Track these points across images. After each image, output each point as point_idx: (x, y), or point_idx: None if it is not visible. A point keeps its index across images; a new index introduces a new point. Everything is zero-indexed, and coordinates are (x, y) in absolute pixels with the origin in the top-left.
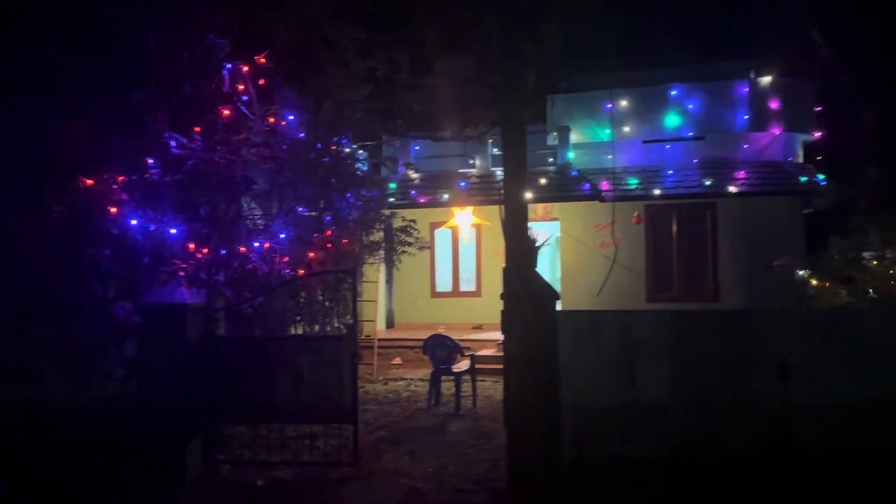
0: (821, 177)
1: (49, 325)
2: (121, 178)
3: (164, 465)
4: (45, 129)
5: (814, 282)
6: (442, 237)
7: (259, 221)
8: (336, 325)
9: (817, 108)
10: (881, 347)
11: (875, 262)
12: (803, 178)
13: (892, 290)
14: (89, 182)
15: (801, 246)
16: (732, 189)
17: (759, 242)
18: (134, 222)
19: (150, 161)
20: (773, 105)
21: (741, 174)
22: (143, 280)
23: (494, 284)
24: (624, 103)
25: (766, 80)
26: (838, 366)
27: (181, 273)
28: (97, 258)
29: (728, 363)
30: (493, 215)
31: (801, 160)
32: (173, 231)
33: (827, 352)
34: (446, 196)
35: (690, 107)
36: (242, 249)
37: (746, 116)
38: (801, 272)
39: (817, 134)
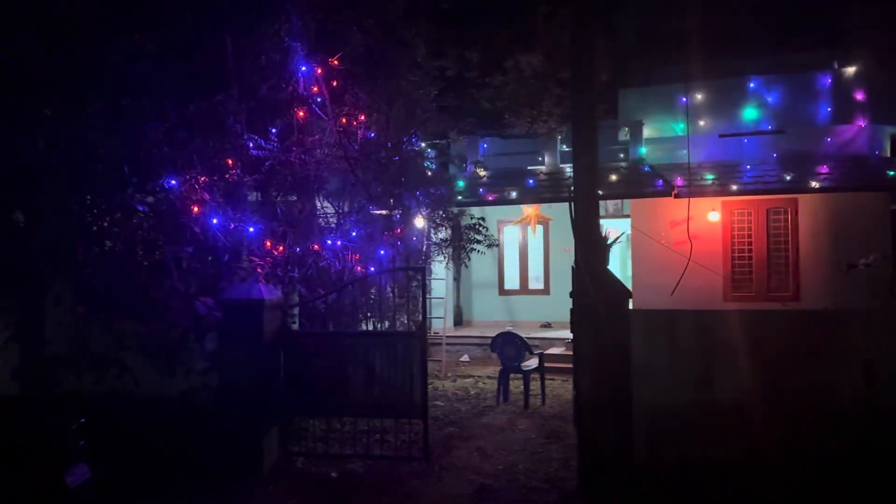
0: None
1: (136, 319)
2: (203, 179)
3: (242, 455)
4: (129, 132)
5: None
6: (510, 234)
7: (332, 220)
8: (405, 321)
9: None
10: None
11: None
12: (891, 173)
13: None
14: (172, 182)
15: (889, 243)
16: (815, 184)
17: (844, 240)
18: (215, 221)
19: (230, 162)
20: (859, 96)
21: (824, 169)
22: (224, 276)
23: (563, 282)
24: (699, 96)
25: (850, 70)
26: None
27: (259, 270)
28: (180, 255)
29: (810, 365)
30: (563, 213)
31: (888, 153)
32: (252, 229)
33: None
34: (515, 193)
35: (770, 99)
36: (316, 247)
37: (830, 108)
38: (889, 271)
39: None
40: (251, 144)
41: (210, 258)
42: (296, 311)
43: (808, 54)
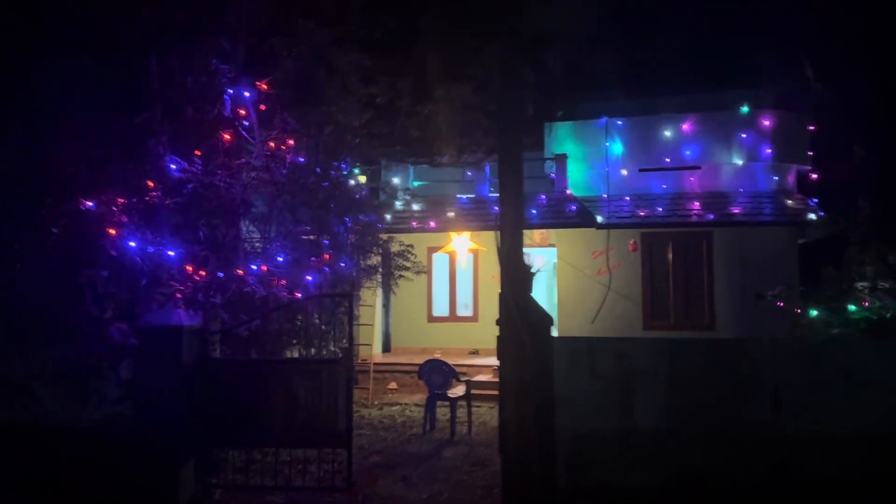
0: (814, 208)
1: (46, 345)
2: (121, 200)
3: (156, 487)
4: (44, 151)
5: (807, 311)
6: (439, 262)
7: (257, 244)
8: (332, 348)
9: (811, 140)
10: (873, 378)
11: (867, 293)
12: (797, 209)
13: (883, 321)
14: (89, 203)
15: (796, 276)
16: (727, 218)
17: (754, 272)
18: (133, 244)
19: (151, 184)
20: (768, 136)
21: (736, 204)
22: (141, 301)
23: (491, 310)
24: (620, 131)
25: (761, 111)
26: (831, 396)
27: (178, 295)
28: (94, 279)
29: (723, 392)
30: (491, 241)
31: (795, 190)
32: (172, 253)
33: (820, 381)
34: (444, 221)
35: (687, 136)
36: (240, 272)
37: (742, 147)
38: (794, 302)
39: (811, 165)
40: (174, 166)
41: (127, 282)
42: (217, 338)
43: (721, 95)
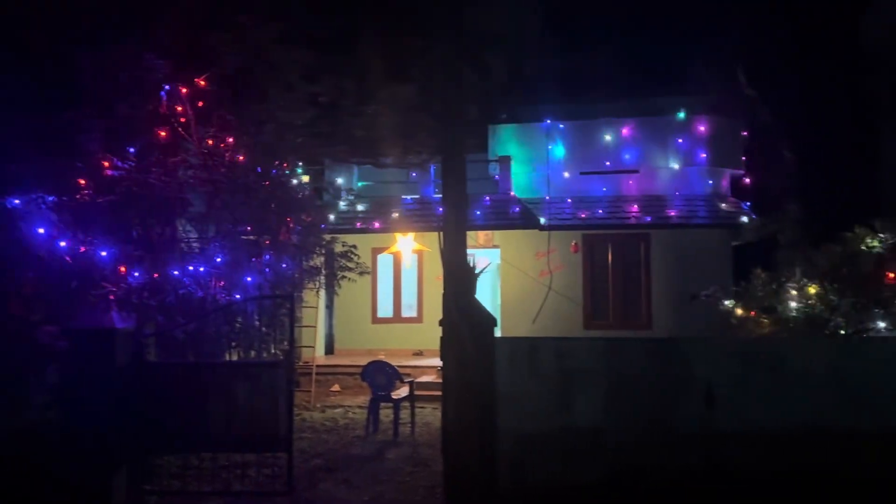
0: (747, 211)
1: None
2: (50, 199)
3: (87, 497)
4: None
5: (739, 311)
6: (384, 263)
7: (195, 245)
8: (273, 350)
9: (745, 144)
10: (800, 376)
11: (796, 294)
12: (731, 212)
13: (810, 321)
14: (15, 201)
15: (729, 276)
16: (664, 220)
17: (690, 272)
18: (63, 244)
19: (82, 181)
20: (703, 141)
21: (673, 206)
22: (71, 303)
23: (436, 311)
24: (562, 135)
25: (696, 117)
26: (761, 393)
27: (111, 297)
28: (21, 280)
29: (659, 390)
30: (435, 242)
31: (729, 194)
32: (104, 254)
33: (750, 379)
34: (388, 222)
35: (626, 140)
36: (176, 273)
37: (678, 151)
38: (727, 302)
39: (744, 170)
40: (106, 164)
41: (57, 284)
42: (152, 340)
43: (658, 101)
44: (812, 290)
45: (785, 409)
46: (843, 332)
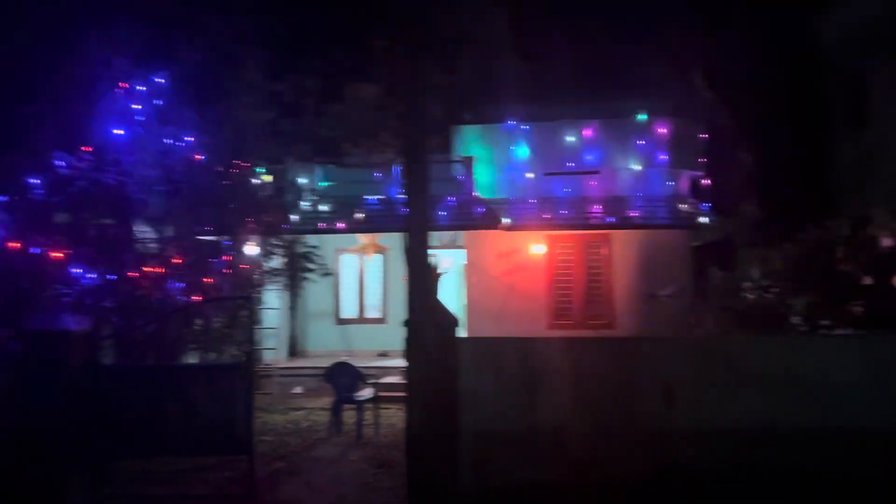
0: (706, 211)
1: None
2: (1, 198)
3: (44, 502)
4: None
5: (698, 310)
6: (348, 263)
7: (152, 245)
8: (234, 353)
9: (702, 146)
10: (757, 374)
11: (753, 293)
12: (690, 212)
13: (767, 319)
14: None
15: (688, 276)
16: (625, 221)
17: (651, 272)
18: (15, 245)
19: (35, 180)
20: (663, 143)
21: (634, 207)
22: (24, 305)
23: (401, 311)
24: (527, 136)
25: (656, 119)
26: (719, 391)
27: (65, 298)
28: None
29: (620, 388)
30: (399, 242)
31: (688, 195)
32: (58, 255)
33: (708, 377)
34: (351, 222)
35: (588, 142)
36: (133, 274)
37: (639, 153)
38: (685, 301)
39: (702, 171)
40: (60, 162)
41: (8, 285)
42: (108, 343)
43: (619, 103)
44: (768, 288)
45: (740, 406)
46: (799, 329)
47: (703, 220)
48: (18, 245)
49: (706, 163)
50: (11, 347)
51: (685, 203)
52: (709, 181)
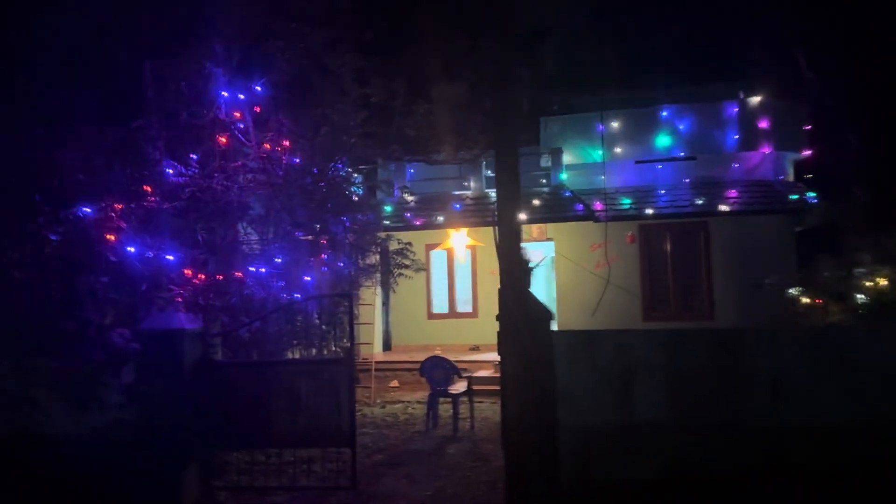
0: (811, 195)
1: (47, 353)
2: (118, 206)
3: (161, 492)
4: (41, 159)
5: (805, 299)
6: (438, 259)
7: (256, 246)
8: (333, 348)
9: (806, 128)
10: (871, 364)
11: (866, 280)
12: (794, 197)
13: (882, 307)
14: (87, 210)
15: (793, 264)
16: (724, 208)
17: (752, 260)
18: (132, 249)
19: (148, 189)
20: (763, 125)
21: (732, 193)
22: (141, 306)
23: (491, 305)
24: (616, 124)
25: (754, 100)
26: (830, 383)
27: (178, 299)
28: (94, 286)
29: (723, 382)
30: (489, 237)
31: (791, 179)
32: (171, 258)
33: (818, 369)
34: (441, 218)
35: (681, 127)
36: (239, 274)
37: (736, 136)
38: (792, 289)
39: (807, 153)
40: (170, 171)
41: (128, 288)
42: (218, 340)
43: (715, 85)
44: (883, 275)
45: (855, 400)
46: None
47: (808, 204)
48: (134, 250)
49: (811, 145)
50: (131, 347)
51: (787, 187)
52: (814, 163)
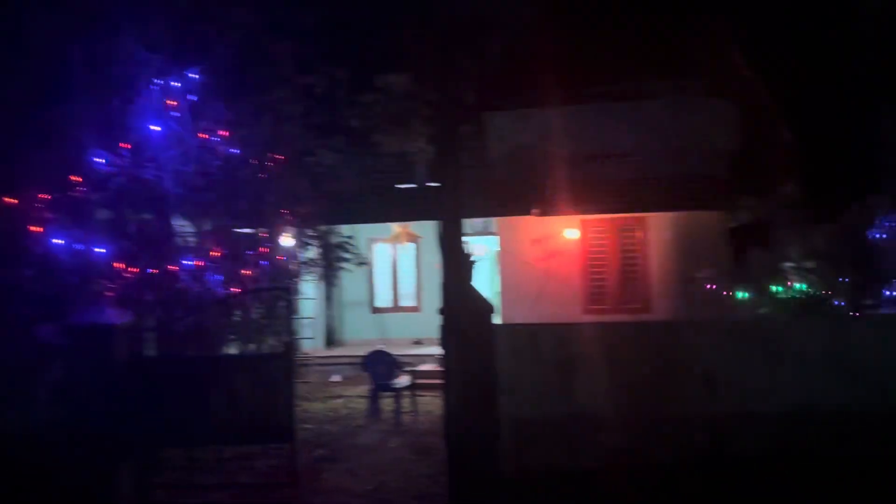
0: (743, 192)
1: None
2: (44, 196)
3: (93, 492)
4: None
5: (736, 292)
6: (381, 253)
7: (191, 239)
8: (273, 343)
9: (740, 126)
10: (799, 356)
11: (794, 274)
12: (727, 193)
13: (808, 300)
14: (9, 200)
15: (726, 258)
16: (661, 203)
17: (687, 255)
18: (59, 241)
19: (76, 178)
20: (698, 122)
21: (669, 189)
22: (70, 301)
23: (434, 299)
24: (558, 119)
25: (690, 98)
26: (760, 374)
27: (109, 293)
28: (19, 279)
29: (659, 372)
30: (432, 230)
31: (724, 176)
32: (101, 250)
33: (749, 361)
34: (385, 211)
35: (621, 124)
36: (173, 268)
37: (674, 133)
38: (724, 283)
39: (740, 150)
40: (100, 160)
41: (55, 281)
42: (151, 335)
43: (653, 83)
44: (809, 269)
45: (782, 389)
46: (842, 310)
47: (741, 200)
48: (62, 242)
49: (744, 142)
50: (60, 343)
51: (722, 184)
52: (746, 160)
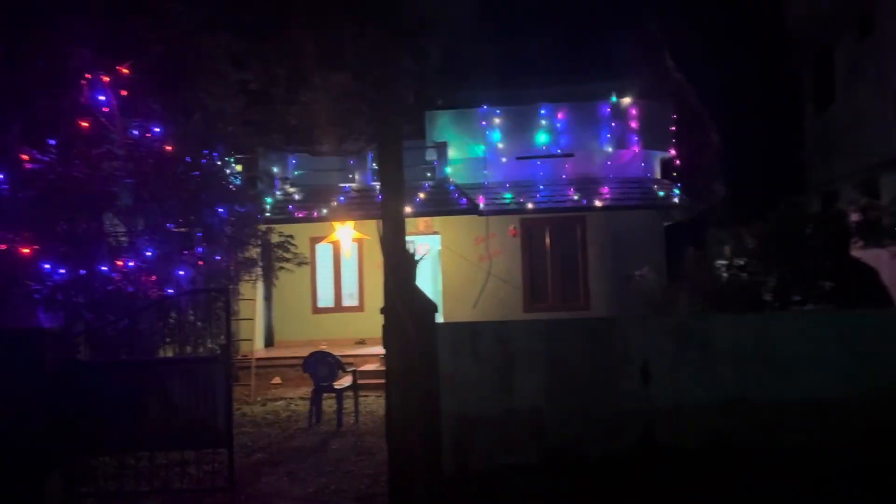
0: (677, 192)
1: None
2: None
3: (20, 501)
4: None
5: (672, 289)
6: (323, 252)
7: (123, 239)
8: (210, 345)
9: (672, 128)
10: (729, 351)
11: (726, 271)
12: (661, 193)
13: (740, 297)
14: None
15: (662, 256)
16: (598, 203)
17: (625, 253)
18: None
19: (0, 176)
20: (633, 124)
21: (606, 189)
22: None
23: (377, 299)
24: (498, 120)
25: (626, 101)
26: (693, 368)
27: (36, 295)
28: None
29: (597, 368)
30: (374, 230)
31: (659, 176)
32: (27, 250)
33: (683, 356)
34: (326, 211)
35: (559, 125)
36: (104, 269)
37: (610, 135)
38: (659, 281)
39: (673, 152)
40: (26, 157)
41: None
42: (82, 339)
43: (590, 85)
44: (740, 266)
45: (714, 382)
46: (770, 306)
47: (675, 200)
48: None
49: (677, 143)
50: None
51: (657, 184)
52: (680, 161)
